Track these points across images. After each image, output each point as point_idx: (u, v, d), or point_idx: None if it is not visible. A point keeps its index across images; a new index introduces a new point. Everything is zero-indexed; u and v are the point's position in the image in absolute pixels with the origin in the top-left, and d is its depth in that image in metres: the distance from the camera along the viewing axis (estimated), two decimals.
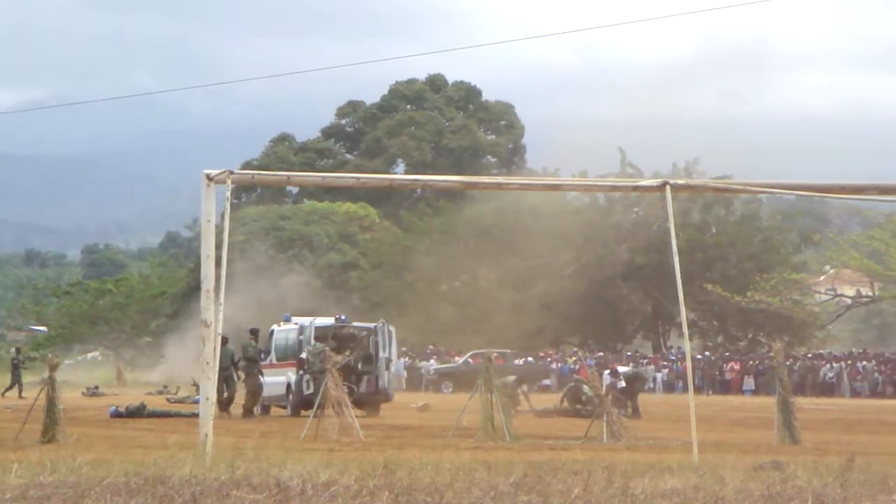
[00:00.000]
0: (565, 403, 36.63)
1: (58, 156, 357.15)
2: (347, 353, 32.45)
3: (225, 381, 33.87)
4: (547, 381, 62.44)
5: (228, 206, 17.99)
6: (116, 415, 32.95)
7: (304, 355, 34.26)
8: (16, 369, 54.03)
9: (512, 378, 36.12)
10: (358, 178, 22.22)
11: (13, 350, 59.92)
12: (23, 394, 50.16)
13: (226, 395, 34.36)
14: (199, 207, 17.64)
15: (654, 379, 66.39)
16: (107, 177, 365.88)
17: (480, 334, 70.73)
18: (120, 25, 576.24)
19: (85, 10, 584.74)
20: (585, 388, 37.44)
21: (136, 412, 33.14)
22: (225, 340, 34.80)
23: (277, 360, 36.58)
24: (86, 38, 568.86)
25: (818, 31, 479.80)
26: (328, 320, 37.59)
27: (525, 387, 36.53)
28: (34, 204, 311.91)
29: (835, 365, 64.59)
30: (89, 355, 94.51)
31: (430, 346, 71.41)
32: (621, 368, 42.35)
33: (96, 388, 56.31)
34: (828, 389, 62.35)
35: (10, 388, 53.28)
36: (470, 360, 60.82)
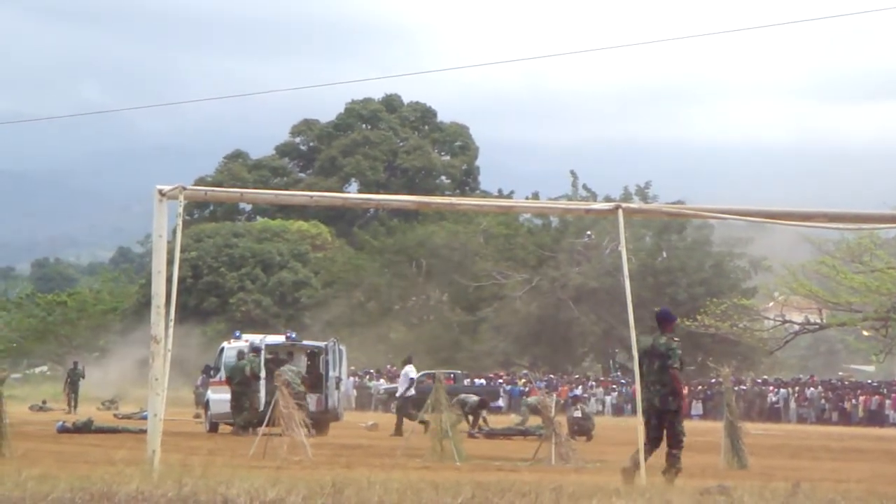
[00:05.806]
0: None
1: (5, 171, 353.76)
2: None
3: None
4: (499, 403, 62.42)
5: (181, 222, 17.86)
6: (63, 430, 32.69)
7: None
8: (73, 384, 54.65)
9: (476, 398, 36.23)
10: (311, 196, 22.12)
11: (71, 363, 59.74)
12: (76, 409, 50.93)
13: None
14: (151, 223, 17.56)
15: (604, 402, 66.57)
16: (56, 192, 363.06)
17: (431, 354, 70.69)
18: (70, 41, 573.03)
19: (34, 25, 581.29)
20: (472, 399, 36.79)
21: (84, 427, 32.90)
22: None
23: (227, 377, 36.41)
24: (36, 53, 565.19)
25: (769, 62, 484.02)
26: (279, 338, 37.52)
27: (485, 411, 36.70)
28: None
29: (782, 391, 65.03)
30: (37, 370, 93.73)
31: (389, 366, 70.73)
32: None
33: (44, 402, 55.93)
34: (774, 415, 62.78)
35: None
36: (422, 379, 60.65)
